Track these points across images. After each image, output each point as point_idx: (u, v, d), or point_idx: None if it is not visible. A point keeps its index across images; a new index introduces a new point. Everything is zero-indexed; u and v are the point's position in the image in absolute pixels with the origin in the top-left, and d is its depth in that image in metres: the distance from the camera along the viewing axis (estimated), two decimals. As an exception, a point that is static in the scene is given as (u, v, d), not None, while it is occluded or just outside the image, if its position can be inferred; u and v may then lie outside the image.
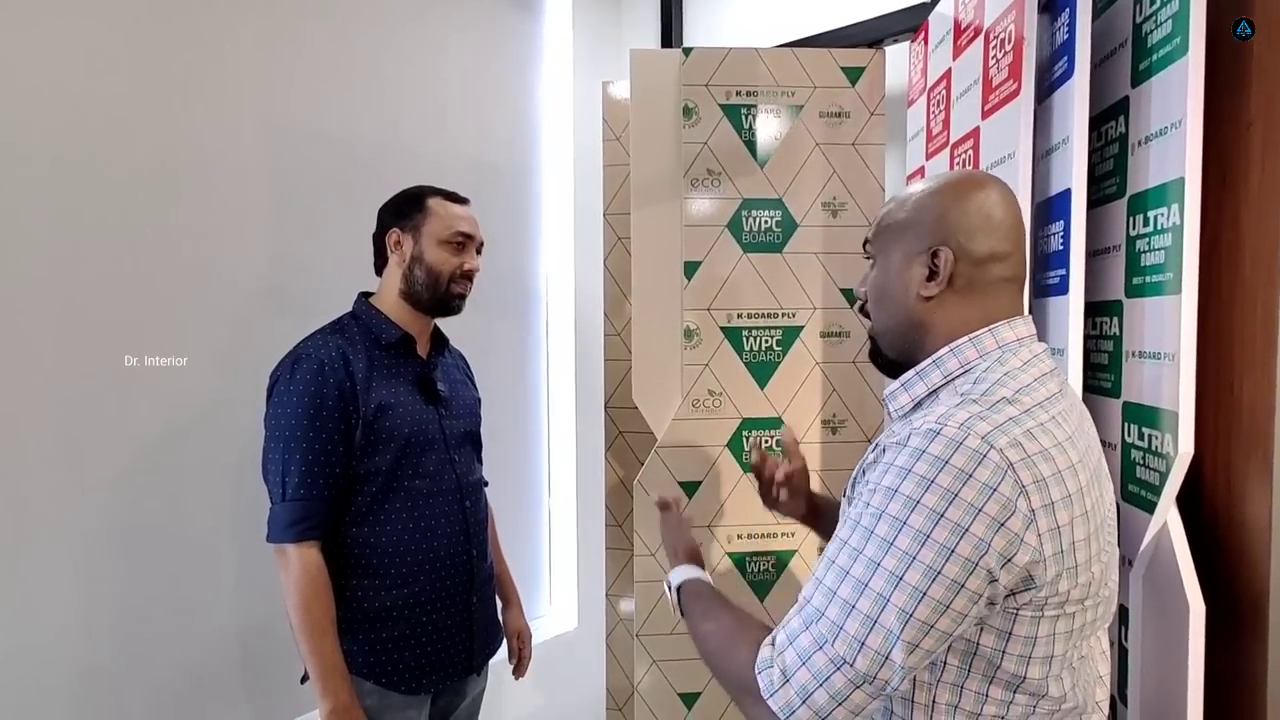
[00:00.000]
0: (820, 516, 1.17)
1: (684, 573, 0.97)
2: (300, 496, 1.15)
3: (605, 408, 1.92)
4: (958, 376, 0.79)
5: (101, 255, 1.32)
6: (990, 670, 0.73)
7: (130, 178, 1.35)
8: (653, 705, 1.68)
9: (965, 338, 0.80)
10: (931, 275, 0.81)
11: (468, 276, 1.31)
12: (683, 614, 0.93)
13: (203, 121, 1.43)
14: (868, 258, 0.89)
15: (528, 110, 2.11)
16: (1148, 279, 1.00)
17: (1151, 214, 0.98)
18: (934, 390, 0.81)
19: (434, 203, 1.29)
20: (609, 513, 1.93)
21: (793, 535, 1.70)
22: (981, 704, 0.74)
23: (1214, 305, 0.94)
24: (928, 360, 0.82)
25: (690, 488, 1.68)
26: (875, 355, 0.90)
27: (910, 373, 0.83)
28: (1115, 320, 1.07)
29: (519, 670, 1.51)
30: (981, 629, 0.72)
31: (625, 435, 1.91)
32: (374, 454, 1.20)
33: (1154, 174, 0.98)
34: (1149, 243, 0.99)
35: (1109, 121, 1.08)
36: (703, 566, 1.01)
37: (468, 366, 1.49)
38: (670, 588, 0.97)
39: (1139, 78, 1.02)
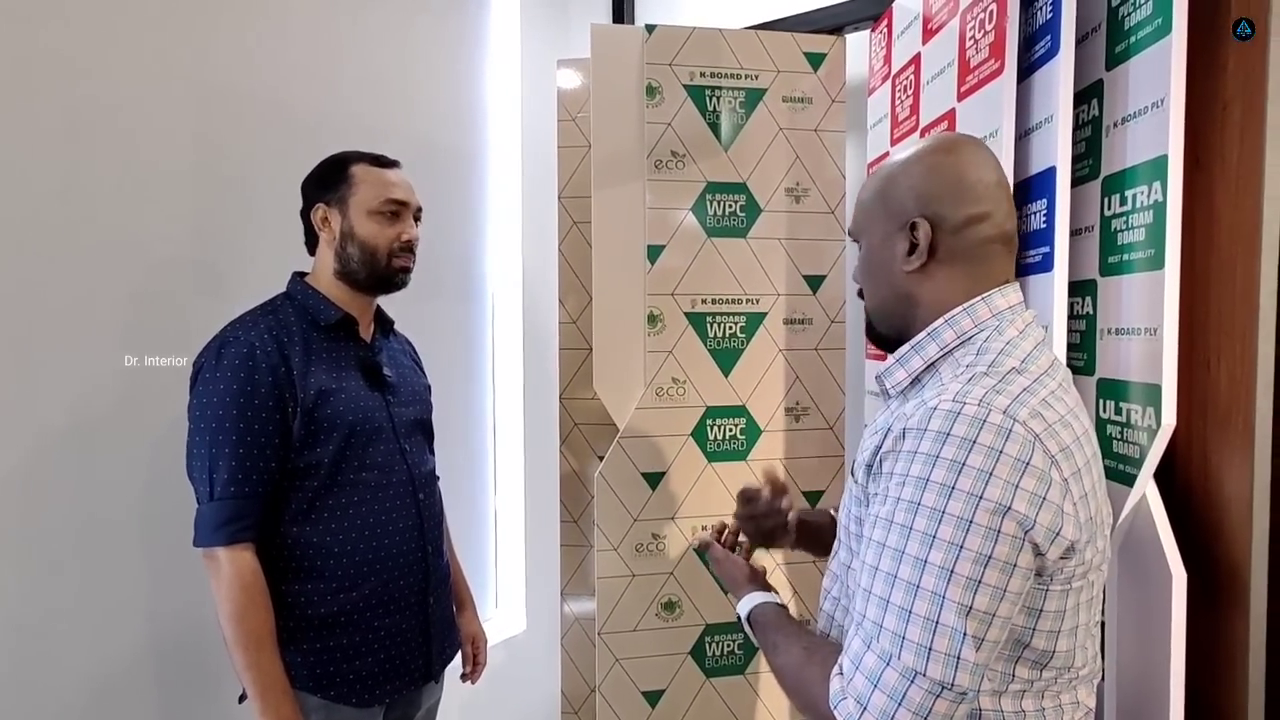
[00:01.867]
0: (813, 535, 1.12)
1: (748, 601, 0.91)
2: (230, 494, 1.04)
3: (560, 399, 1.85)
4: (956, 348, 0.77)
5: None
6: (1017, 650, 0.71)
7: (37, 139, 1.18)
8: (615, 705, 1.62)
9: (959, 308, 0.78)
10: (912, 249, 0.79)
11: (408, 248, 1.20)
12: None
13: (120, 76, 1.27)
14: (855, 242, 0.88)
15: (472, 86, 2.01)
16: (1125, 256, 1.02)
17: (1130, 193, 1.00)
18: (931, 363, 0.78)
19: (359, 170, 1.18)
20: (564, 508, 1.85)
21: (756, 525, 1.67)
22: (1007, 683, 0.72)
23: (1188, 281, 0.97)
24: (922, 334, 0.79)
25: (653, 479, 1.63)
26: (870, 331, 0.89)
27: (905, 348, 0.81)
28: (1089, 300, 1.10)
29: (474, 676, 1.42)
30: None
31: (581, 427, 1.84)
32: (315, 445, 1.10)
33: (1132, 153, 1.00)
34: (1126, 221, 1.01)
35: (1082, 105, 1.10)
36: (766, 587, 0.95)
37: (415, 352, 1.39)
38: (742, 621, 0.91)
39: (1114, 60, 1.04)
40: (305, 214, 1.21)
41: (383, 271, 1.18)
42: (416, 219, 1.23)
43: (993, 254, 0.79)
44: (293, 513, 1.10)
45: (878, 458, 0.74)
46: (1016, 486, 0.65)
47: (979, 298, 0.77)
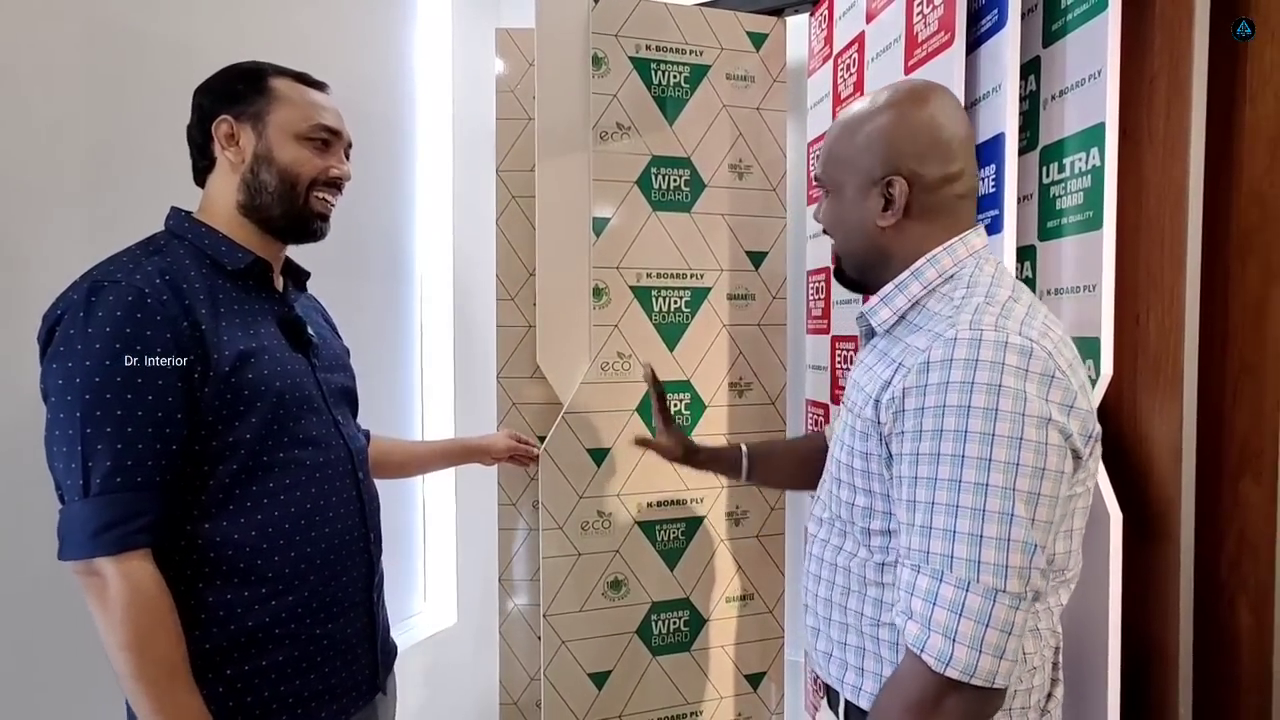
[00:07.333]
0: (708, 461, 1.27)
1: None
2: (116, 487, 0.81)
3: (497, 378, 1.78)
4: (940, 284, 0.81)
5: None
6: None
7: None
8: (561, 688, 1.57)
9: (940, 247, 0.81)
10: (887, 205, 0.81)
11: (335, 184, 1.01)
12: None
13: (6, 14, 1.12)
14: (820, 187, 0.89)
15: (400, 51, 1.92)
16: (1063, 220, 1.08)
17: (1067, 160, 1.07)
18: (915, 301, 0.82)
19: (282, 85, 0.97)
20: (501, 490, 1.79)
21: (701, 502, 1.67)
22: None
23: (1119, 242, 1.04)
24: (905, 273, 0.82)
25: (598, 455, 1.60)
26: (840, 275, 0.92)
27: (889, 286, 0.84)
28: (1028, 264, 1.16)
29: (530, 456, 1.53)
30: None
31: (519, 407, 1.78)
32: (234, 420, 0.88)
33: (1069, 123, 1.07)
34: (1064, 187, 1.08)
35: (1020, 81, 1.16)
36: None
37: (326, 311, 1.18)
38: None
39: (1051, 38, 1.11)
40: (199, 128, 0.97)
41: (299, 209, 0.98)
42: (346, 154, 1.04)
43: (963, 207, 0.83)
44: (205, 506, 0.88)
45: (892, 394, 0.74)
46: (1046, 400, 0.69)
47: (957, 238, 0.82)
